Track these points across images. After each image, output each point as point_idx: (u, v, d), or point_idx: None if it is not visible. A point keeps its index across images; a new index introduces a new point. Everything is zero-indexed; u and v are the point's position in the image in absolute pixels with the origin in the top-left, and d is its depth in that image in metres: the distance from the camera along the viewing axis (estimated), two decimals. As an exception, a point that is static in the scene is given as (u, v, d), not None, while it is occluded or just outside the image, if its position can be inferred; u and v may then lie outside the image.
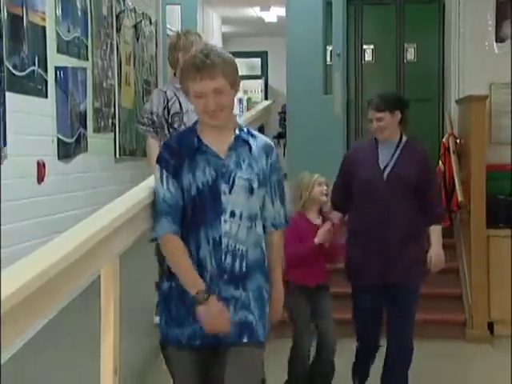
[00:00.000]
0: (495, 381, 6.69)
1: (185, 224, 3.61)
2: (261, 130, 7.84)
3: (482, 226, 7.71)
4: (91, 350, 3.45)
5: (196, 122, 3.77)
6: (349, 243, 5.72)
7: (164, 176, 3.60)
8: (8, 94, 5.46)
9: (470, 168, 8.01)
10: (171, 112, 5.80)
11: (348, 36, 10.64)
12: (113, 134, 8.23)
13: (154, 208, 3.64)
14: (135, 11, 8.98)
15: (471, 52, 8.95)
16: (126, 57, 8.66)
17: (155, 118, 5.86)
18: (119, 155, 8.42)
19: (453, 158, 8.22)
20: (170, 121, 5.81)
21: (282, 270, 3.98)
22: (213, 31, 16.57)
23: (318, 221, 5.79)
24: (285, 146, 13.46)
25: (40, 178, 6.30)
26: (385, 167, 5.54)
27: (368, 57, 11.26)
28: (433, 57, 10.56)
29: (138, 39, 9.09)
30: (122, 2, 8.41)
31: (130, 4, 8.72)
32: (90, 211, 3.43)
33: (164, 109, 5.83)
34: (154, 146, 5.69)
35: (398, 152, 5.58)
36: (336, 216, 5.90)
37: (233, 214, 3.62)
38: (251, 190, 3.66)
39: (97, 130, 7.70)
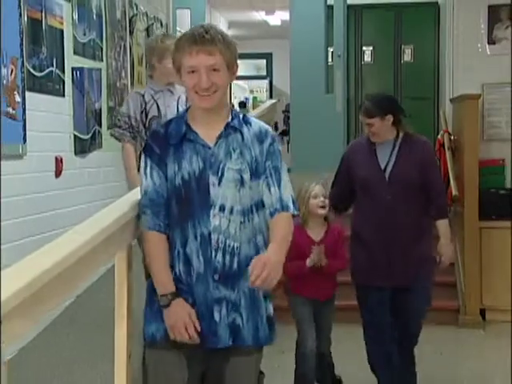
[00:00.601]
0: (487, 363, 6.70)
1: (170, 217, 3.24)
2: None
3: (474, 219, 7.70)
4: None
5: (187, 109, 3.40)
6: (353, 246, 5.32)
7: (148, 165, 3.23)
8: (28, 94, 5.48)
9: (463, 163, 8.01)
10: (149, 116, 5.27)
11: (348, 38, 10.64)
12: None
13: (140, 200, 3.29)
14: (147, 15, 8.98)
15: (464, 53, 8.93)
16: (139, 58, 8.67)
17: (133, 123, 5.28)
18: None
19: (447, 153, 8.20)
20: (147, 125, 5.26)
21: (285, 249, 3.30)
22: (220, 34, 16.58)
23: (320, 235, 5.21)
24: (288, 142, 13.48)
25: (57, 173, 6.31)
26: (385, 167, 5.15)
27: (367, 58, 11.26)
28: (429, 58, 10.55)
29: (149, 41, 9.10)
30: (134, 7, 8.42)
31: (142, 8, 8.72)
32: (104, 204, 3.48)
33: (141, 112, 5.28)
34: (130, 151, 5.29)
35: (396, 150, 5.18)
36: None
37: (222, 208, 3.21)
38: (242, 182, 3.24)
39: (111, 127, 7.69)
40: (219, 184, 3.20)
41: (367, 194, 5.18)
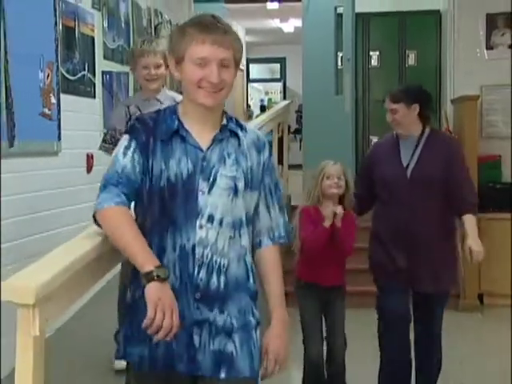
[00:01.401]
0: (485, 344, 6.75)
1: (149, 222, 2.58)
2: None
3: (473, 210, 7.73)
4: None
5: (177, 103, 2.77)
6: (373, 246, 4.79)
7: (132, 147, 2.58)
8: (62, 96, 5.53)
9: (463, 159, 8.03)
10: None
11: (356, 44, 10.62)
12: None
13: (103, 178, 2.61)
14: (171, 23, 9.02)
15: (464, 58, 9.00)
16: (163, 62, 8.70)
17: (118, 135, 4.58)
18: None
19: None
20: None
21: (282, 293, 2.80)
22: (238, 40, 16.59)
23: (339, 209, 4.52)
24: (301, 140, 13.51)
25: (89, 168, 6.37)
26: (408, 164, 4.57)
27: (374, 62, 11.25)
28: (431, 62, 10.52)
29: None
30: (159, 15, 8.46)
31: (166, 17, 8.76)
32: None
33: (127, 124, 4.38)
34: None
35: (420, 147, 4.58)
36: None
37: (211, 219, 2.57)
38: (236, 191, 2.62)
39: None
40: (209, 191, 2.58)
41: (387, 193, 4.65)
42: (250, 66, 19.16)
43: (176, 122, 2.63)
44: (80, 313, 5.46)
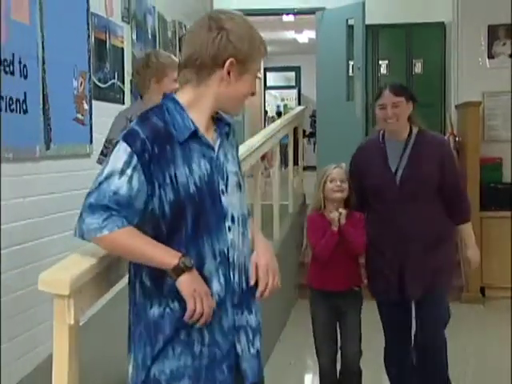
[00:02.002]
0: (486, 333, 6.74)
1: (182, 233, 2.27)
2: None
3: (476, 209, 7.68)
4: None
5: (171, 98, 2.37)
6: (368, 255, 4.31)
7: (133, 163, 2.19)
8: (94, 102, 5.55)
9: (466, 161, 8.07)
10: None
11: (366, 53, 10.60)
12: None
13: (88, 193, 2.24)
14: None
15: (467, 66, 9.00)
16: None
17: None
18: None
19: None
20: None
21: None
22: (256, 50, 16.59)
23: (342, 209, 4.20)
24: (315, 143, 13.51)
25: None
26: (396, 169, 4.08)
27: (383, 70, 11.24)
28: (436, 70, 10.51)
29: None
30: (183, 28, 8.47)
31: (189, 28, 8.78)
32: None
33: None
34: None
35: (408, 149, 4.09)
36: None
37: (233, 219, 2.36)
38: (240, 186, 2.43)
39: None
40: (227, 190, 2.35)
41: (377, 200, 4.19)
42: (267, 74, 19.18)
43: (190, 122, 2.31)
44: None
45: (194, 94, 2.34)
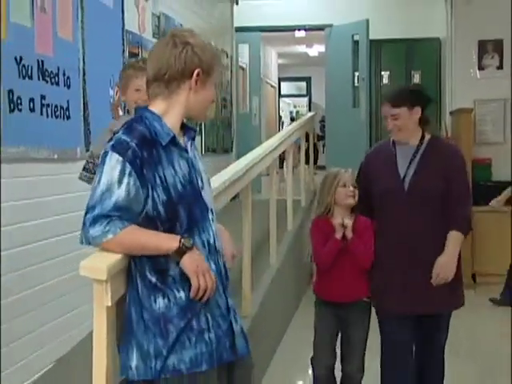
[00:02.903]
0: (477, 316, 6.70)
1: (178, 227, 2.23)
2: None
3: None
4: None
5: (144, 110, 2.30)
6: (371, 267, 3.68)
7: (126, 173, 2.15)
8: (128, 109, 5.58)
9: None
10: None
11: (370, 65, 10.58)
12: (200, 136, 8.20)
13: (91, 206, 2.17)
14: (217, 48, 9.05)
15: (460, 77, 9.11)
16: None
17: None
18: (204, 152, 8.36)
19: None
20: None
21: None
22: (271, 62, 16.61)
23: (347, 221, 3.65)
24: (324, 145, 13.50)
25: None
26: (405, 175, 3.50)
27: (385, 80, 11.20)
28: (432, 80, 10.43)
29: (218, 69, 9.14)
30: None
31: (213, 43, 8.76)
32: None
33: None
34: None
35: (419, 155, 3.50)
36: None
37: (212, 211, 2.36)
38: (209, 182, 2.45)
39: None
40: (203, 187, 2.34)
41: (383, 207, 3.59)
42: (281, 83, 19.15)
43: (168, 128, 2.26)
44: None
45: (166, 105, 2.30)
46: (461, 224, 3.51)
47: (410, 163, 3.52)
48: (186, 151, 2.31)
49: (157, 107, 2.30)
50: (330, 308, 3.71)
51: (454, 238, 3.47)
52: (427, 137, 3.57)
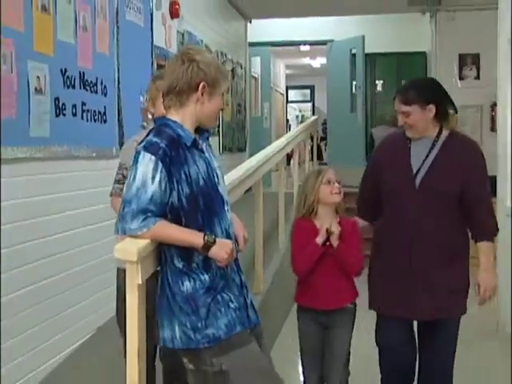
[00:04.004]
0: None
1: (199, 216, 2.24)
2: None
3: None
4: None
5: (165, 118, 2.29)
6: (372, 262, 3.05)
7: (158, 170, 2.17)
8: (156, 114, 5.58)
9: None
10: None
11: (366, 75, 10.58)
12: (217, 137, 8.21)
13: (128, 200, 2.18)
14: (232, 61, 9.04)
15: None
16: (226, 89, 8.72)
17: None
18: (222, 151, 8.36)
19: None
20: None
21: None
22: (280, 73, 16.59)
23: (335, 227, 2.87)
24: (325, 145, 13.49)
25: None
26: (418, 171, 2.85)
27: (379, 88, 11.23)
28: (420, 88, 10.45)
29: (233, 78, 9.13)
30: (224, 55, 8.48)
31: (229, 56, 8.78)
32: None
33: None
34: None
35: (434, 152, 2.85)
36: (361, 223, 3.10)
37: (227, 203, 2.38)
38: (223, 178, 2.42)
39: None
40: (219, 182, 2.34)
41: (391, 204, 2.94)
42: (289, 91, 19.10)
43: (189, 132, 2.27)
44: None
45: (179, 115, 2.29)
46: (489, 233, 2.90)
47: (426, 158, 2.86)
48: (203, 152, 2.31)
49: (172, 117, 2.30)
50: (313, 315, 2.96)
51: (485, 251, 2.87)
52: (445, 132, 2.90)
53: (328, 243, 2.88)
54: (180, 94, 2.27)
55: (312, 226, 2.91)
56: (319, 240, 2.86)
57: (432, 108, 2.83)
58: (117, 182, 3.04)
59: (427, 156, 2.86)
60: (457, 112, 2.98)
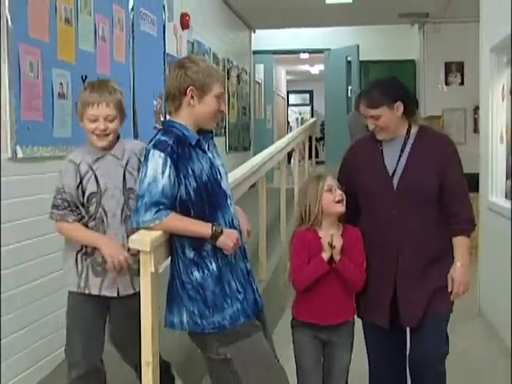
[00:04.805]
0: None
1: (203, 209, 2.22)
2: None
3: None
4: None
5: (171, 121, 2.28)
6: None
7: (168, 165, 2.15)
8: (168, 116, 5.57)
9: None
10: (86, 193, 2.46)
11: (360, 80, 10.53)
12: (224, 137, 8.18)
13: (141, 195, 2.17)
14: (238, 67, 9.02)
15: (431, 91, 9.25)
16: (232, 93, 8.71)
17: (68, 198, 2.46)
18: (228, 150, 8.34)
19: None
20: (85, 203, 2.47)
21: None
22: (281, 78, 16.56)
23: (337, 240, 2.48)
24: (323, 145, 13.47)
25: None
26: (394, 172, 2.56)
27: (372, 93, 11.17)
28: (409, 93, 10.43)
29: (239, 83, 9.11)
30: (230, 62, 8.47)
31: (235, 63, 8.77)
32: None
33: (78, 187, 2.46)
34: (78, 228, 2.46)
35: (407, 150, 2.57)
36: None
37: (230, 197, 2.35)
38: (226, 174, 2.39)
39: (217, 134, 7.74)
40: (222, 178, 2.32)
41: (369, 208, 2.62)
42: (289, 95, 19.07)
43: (193, 133, 2.26)
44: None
45: (178, 118, 2.27)
46: (465, 227, 2.58)
47: (400, 158, 2.57)
48: (205, 152, 2.30)
49: (176, 120, 2.29)
50: (312, 331, 2.57)
51: (461, 246, 2.56)
52: (414, 129, 2.61)
53: (332, 259, 2.51)
54: (174, 100, 2.27)
55: (315, 236, 2.53)
56: (325, 256, 2.48)
57: (400, 105, 2.55)
58: (56, 207, 2.49)
59: (400, 155, 2.58)
60: (418, 107, 2.69)
